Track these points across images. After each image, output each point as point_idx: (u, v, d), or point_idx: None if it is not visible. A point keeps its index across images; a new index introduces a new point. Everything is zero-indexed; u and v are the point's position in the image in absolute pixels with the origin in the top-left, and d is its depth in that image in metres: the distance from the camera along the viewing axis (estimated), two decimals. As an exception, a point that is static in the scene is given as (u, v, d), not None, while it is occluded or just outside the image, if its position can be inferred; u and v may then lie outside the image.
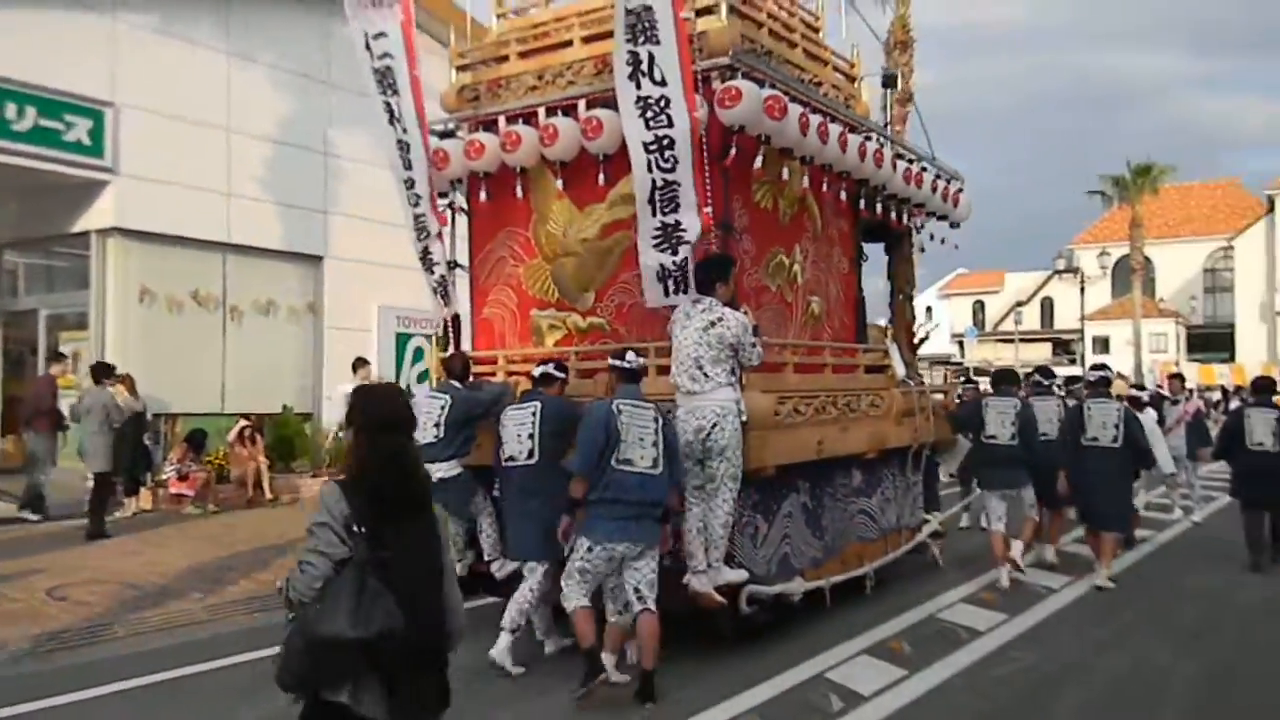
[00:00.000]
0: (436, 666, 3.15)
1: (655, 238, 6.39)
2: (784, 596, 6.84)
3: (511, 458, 6.39)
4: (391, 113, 7.69)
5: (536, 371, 6.53)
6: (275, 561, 9.72)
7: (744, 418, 6.15)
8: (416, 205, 7.81)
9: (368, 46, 7.64)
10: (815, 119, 6.89)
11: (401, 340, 17.54)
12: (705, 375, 6.05)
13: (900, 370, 8.97)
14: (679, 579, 6.13)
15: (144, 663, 6.57)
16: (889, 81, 9.44)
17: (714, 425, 5.98)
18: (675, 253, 6.35)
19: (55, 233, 14.19)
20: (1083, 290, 38.09)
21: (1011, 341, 49.28)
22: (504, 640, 6.18)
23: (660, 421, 5.83)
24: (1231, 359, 54.23)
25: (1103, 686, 5.96)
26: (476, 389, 7.05)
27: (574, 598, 5.75)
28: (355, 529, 2.99)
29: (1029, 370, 11.58)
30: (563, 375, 6.57)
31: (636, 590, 5.71)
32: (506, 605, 6.29)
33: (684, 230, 6.31)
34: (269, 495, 13.68)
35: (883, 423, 8.25)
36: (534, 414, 6.36)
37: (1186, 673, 6.19)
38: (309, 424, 15.77)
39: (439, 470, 6.49)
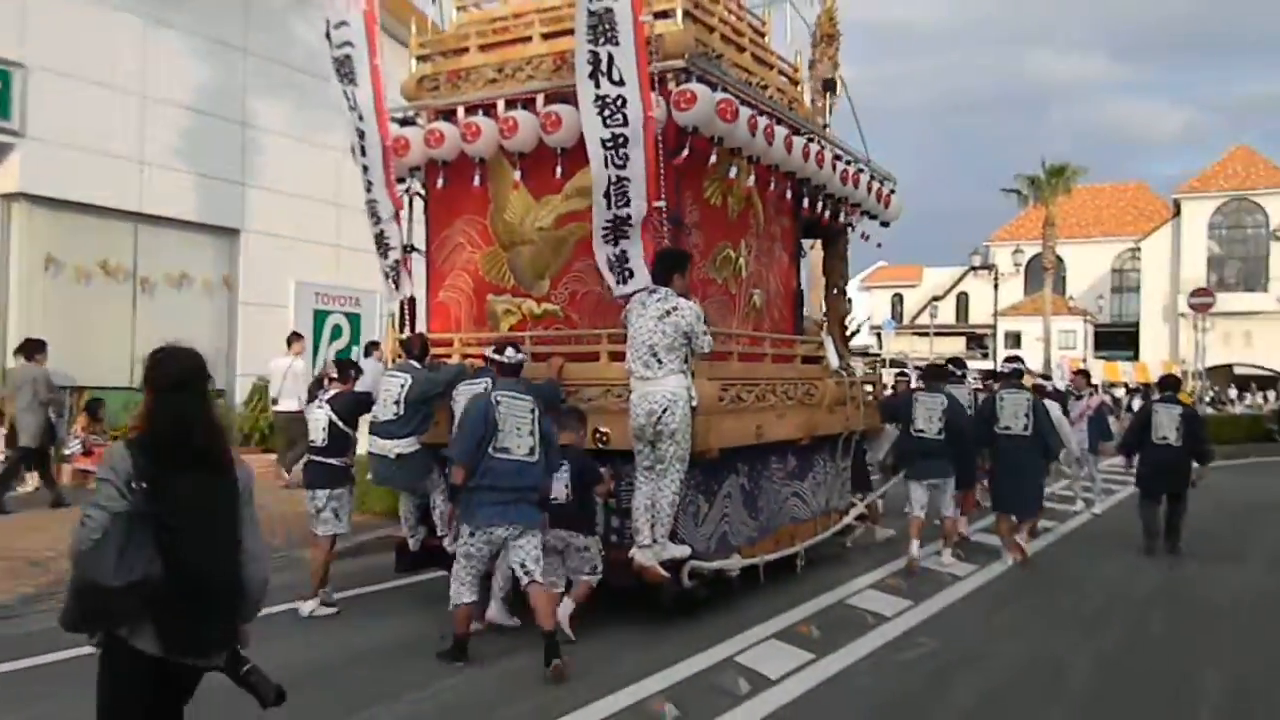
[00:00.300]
0: (218, 610, 3.30)
1: (605, 230, 6.70)
2: (723, 572, 7.25)
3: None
4: (348, 100, 7.84)
5: (498, 354, 6.57)
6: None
7: (694, 403, 6.50)
8: (369, 190, 7.93)
9: (328, 35, 7.92)
10: (763, 121, 7.27)
11: (319, 317, 17.27)
12: (659, 362, 6.40)
13: (834, 361, 9.41)
14: (623, 554, 6.58)
15: (46, 640, 6.41)
16: (829, 85, 9.95)
17: (665, 410, 6.33)
18: (618, 243, 6.68)
19: (-44, 197, 13.67)
20: (996, 286, 39.00)
21: (927, 334, 50.28)
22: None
23: (537, 412, 6.14)
24: (1135, 357, 55.99)
25: (1001, 673, 6.15)
26: (435, 369, 7.29)
27: (459, 592, 6.06)
28: (135, 485, 3.12)
29: (943, 361, 11.94)
30: (520, 357, 6.63)
31: (523, 565, 5.97)
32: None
33: (631, 225, 6.62)
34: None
35: (817, 411, 8.70)
36: (485, 389, 6.52)
37: (1081, 661, 6.40)
38: (222, 400, 15.44)
39: (397, 446, 7.00)
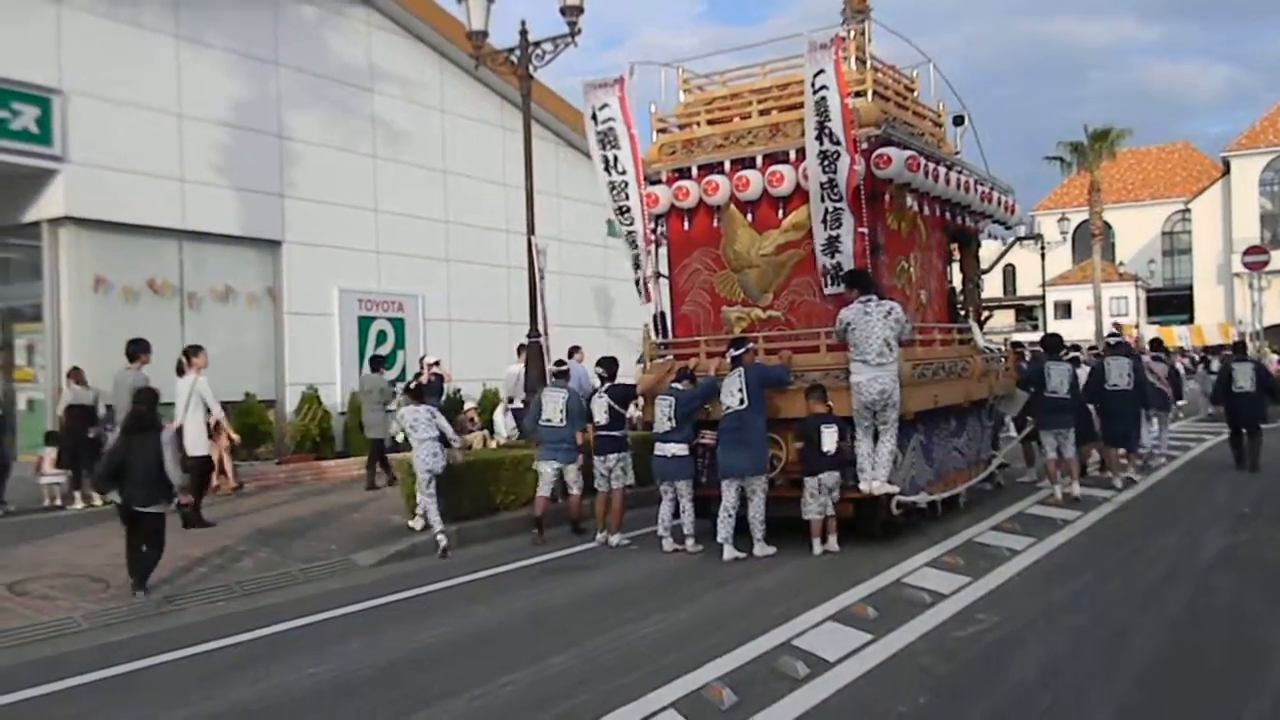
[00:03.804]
0: (147, 492, 7.99)
1: (823, 247, 9.32)
2: (915, 505, 9.62)
3: (728, 405, 9.08)
4: (607, 162, 10.45)
5: (736, 350, 9.24)
6: (238, 549, 9.66)
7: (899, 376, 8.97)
8: (632, 225, 10.51)
9: (594, 115, 10.41)
10: (931, 165, 9.67)
11: (364, 323, 17.43)
12: (890, 350, 8.83)
13: (980, 341, 11.79)
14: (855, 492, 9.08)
15: (107, 655, 6.53)
16: (959, 120, 11.81)
17: (891, 389, 8.83)
18: (833, 256, 9.29)
19: (6, 223, 13.95)
20: (1043, 256, 38.32)
21: (974, 309, 49.48)
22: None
23: (568, 397, 10.11)
24: (1190, 320, 54.96)
25: (1062, 646, 6.04)
26: (692, 385, 9.55)
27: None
28: (122, 440, 8.08)
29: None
30: (752, 347, 9.38)
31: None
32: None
33: (840, 244, 9.23)
34: (233, 483, 13.57)
35: (970, 381, 11.07)
36: (741, 375, 9.09)
37: (1144, 631, 6.28)
38: (272, 411, 15.65)
39: (671, 450, 9.43)
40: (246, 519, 11.28)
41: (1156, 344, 17.43)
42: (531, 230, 12.94)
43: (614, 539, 9.98)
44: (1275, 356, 36.07)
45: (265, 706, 5.46)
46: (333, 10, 17.37)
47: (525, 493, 11.25)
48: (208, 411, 11.07)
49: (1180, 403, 15.86)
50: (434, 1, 18.66)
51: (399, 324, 18.10)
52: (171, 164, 14.52)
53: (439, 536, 9.67)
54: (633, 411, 11.08)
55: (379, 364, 14.62)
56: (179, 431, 10.19)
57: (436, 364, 15.49)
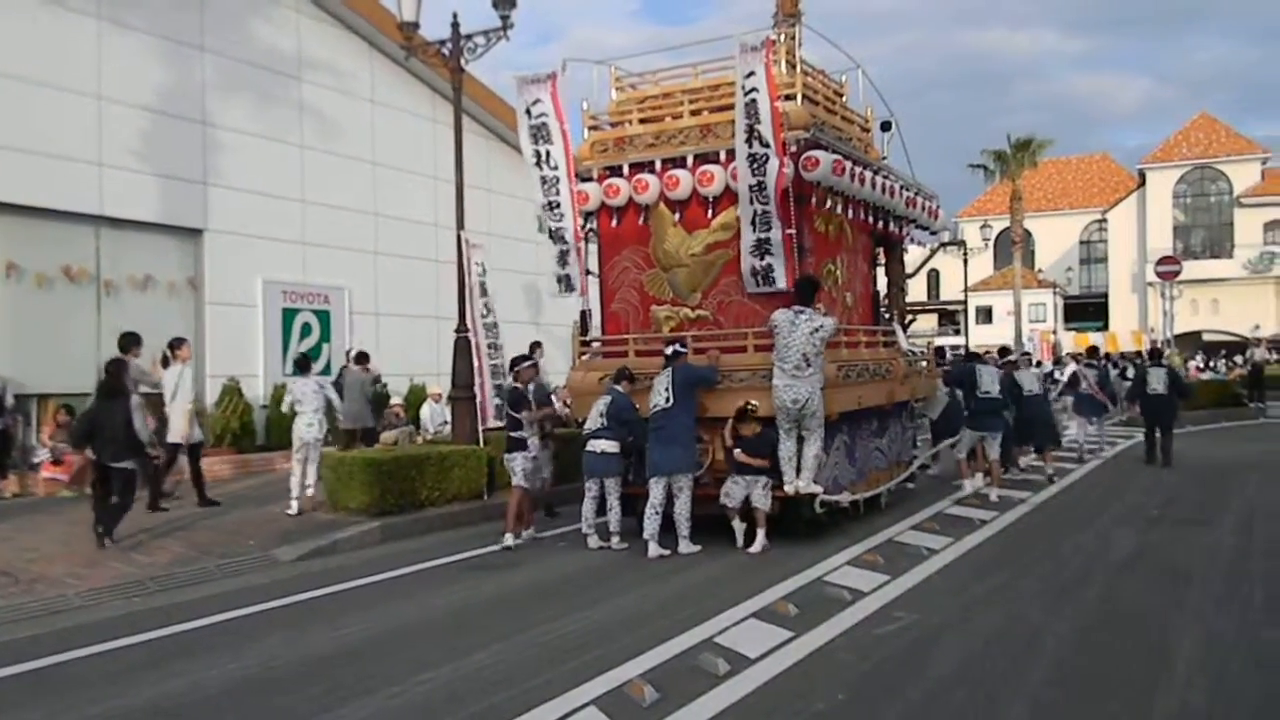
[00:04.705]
0: (115, 450, 9.09)
1: (752, 249, 9.43)
2: (837, 504, 9.86)
3: (655, 404, 9.22)
4: (539, 156, 10.65)
5: (668, 350, 9.38)
6: (152, 544, 9.46)
7: (823, 385, 9.10)
8: (560, 221, 10.67)
9: (528, 110, 10.64)
10: (858, 169, 9.83)
11: (288, 315, 17.15)
12: (808, 364, 8.95)
13: (903, 344, 12.04)
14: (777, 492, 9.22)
15: (16, 651, 6.35)
16: (886, 126, 12.15)
17: (807, 400, 8.97)
18: (762, 259, 9.43)
19: (-89, 205, 13.46)
20: (966, 262, 39.10)
21: (899, 312, 50.26)
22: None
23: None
24: (1105, 327, 56.47)
25: (979, 643, 6.17)
26: (630, 384, 9.68)
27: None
28: (94, 404, 9.41)
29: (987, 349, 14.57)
30: (685, 350, 9.44)
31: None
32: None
33: (770, 245, 9.36)
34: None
35: (893, 383, 11.23)
36: (669, 374, 9.25)
37: (1058, 628, 6.45)
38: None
39: (602, 446, 9.42)
40: (163, 513, 11.02)
41: (1093, 351, 18.27)
42: (461, 225, 12.84)
43: (507, 538, 9.65)
44: (1193, 364, 37.41)
45: (180, 704, 5.35)
46: (261, -4, 17.05)
47: (450, 488, 11.19)
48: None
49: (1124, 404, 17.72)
50: (365, -9, 18.44)
51: (324, 316, 17.84)
52: (90, 148, 14.14)
53: (293, 501, 11.03)
54: (560, 409, 11.62)
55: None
56: (162, 416, 11.16)
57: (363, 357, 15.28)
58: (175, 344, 11.93)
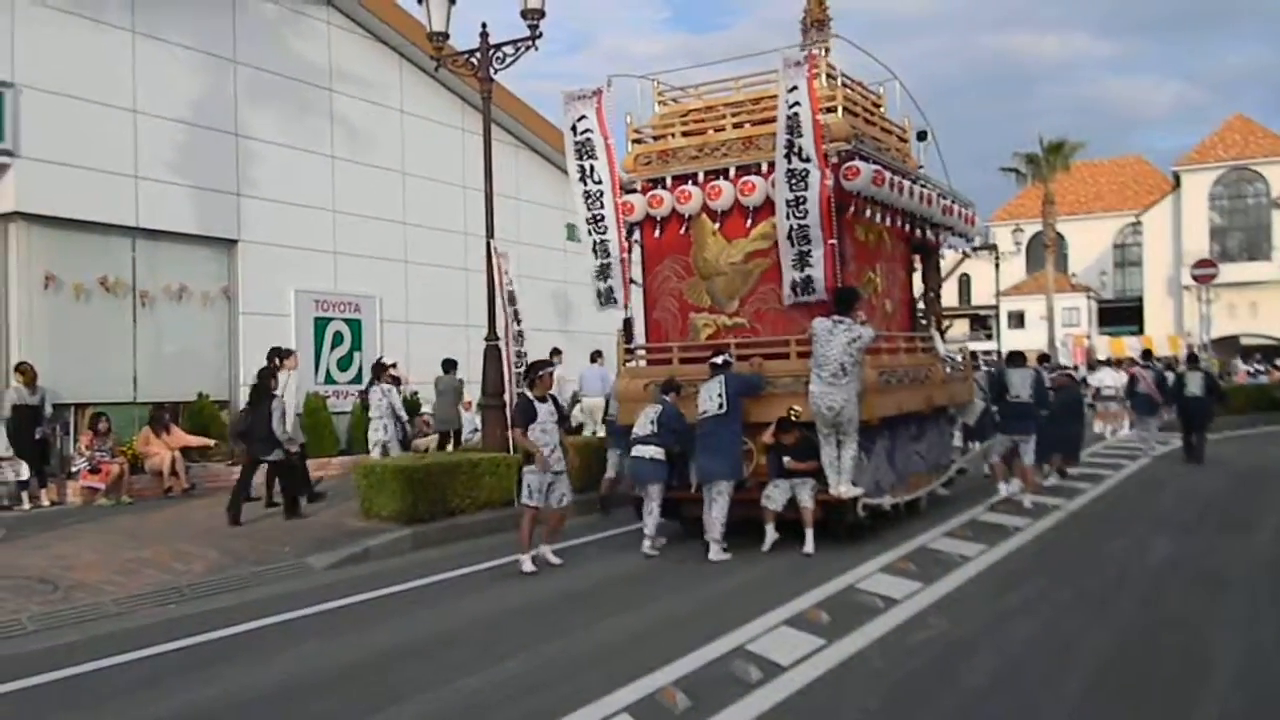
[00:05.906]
0: (262, 446, 10.95)
1: (793, 260, 9.62)
2: (879, 507, 9.96)
3: (705, 410, 9.37)
4: (583, 171, 10.75)
5: (719, 359, 9.57)
6: (188, 552, 9.55)
7: (861, 390, 9.25)
8: (605, 234, 10.78)
9: (573, 127, 10.76)
10: (897, 179, 10.00)
11: (320, 324, 17.27)
12: (844, 372, 9.08)
13: (942, 350, 12.26)
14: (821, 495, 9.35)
15: (54, 658, 6.43)
16: (922, 136, 12.10)
17: (842, 408, 9.11)
18: (802, 270, 9.60)
19: (-47, 218, 13.68)
20: (998, 266, 38.79)
21: (930, 318, 49.90)
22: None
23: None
24: (1140, 331, 55.80)
25: (1012, 653, 6.12)
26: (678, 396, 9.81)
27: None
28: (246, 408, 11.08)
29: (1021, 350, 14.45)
30: (733, 360, 9.65)
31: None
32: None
33: (811, 257, 9.54)
34: (184, 485, 13.40)
35: (932, 388, 11.47)
36: (721, 383, 9.43)
37: (1093, 637, 6.38)
38: (225, 411, 15.46)
39: (650, 452, 9.51)
40: (198, 521, 11.14)
41: (1147, 354, 19.33)
42: (491, 233, 12.89)
43: (524, 562, 8.90)
44: (1244, 368, 36.99)
45: (215, 710, 5.40)
46: (293, 9, 17.21)
47: (481, 496, 11.24)
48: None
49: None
50: (395, 2, 18.58)
51: (355, 325, 17.95)
52: (126, 161, 14.31)
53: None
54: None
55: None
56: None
57: (394, 366, 15.39)
58: (284, 354, 12.21)
